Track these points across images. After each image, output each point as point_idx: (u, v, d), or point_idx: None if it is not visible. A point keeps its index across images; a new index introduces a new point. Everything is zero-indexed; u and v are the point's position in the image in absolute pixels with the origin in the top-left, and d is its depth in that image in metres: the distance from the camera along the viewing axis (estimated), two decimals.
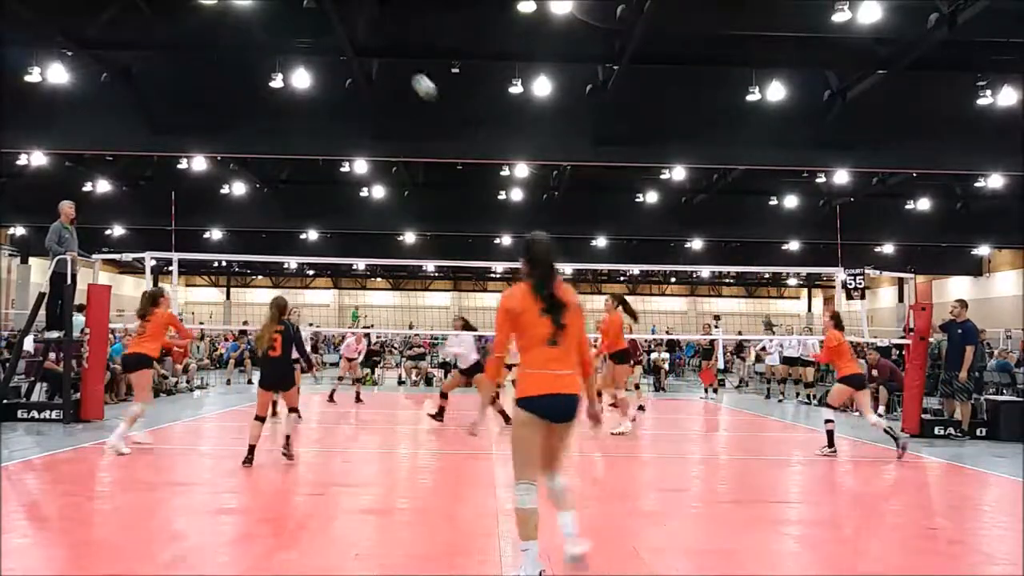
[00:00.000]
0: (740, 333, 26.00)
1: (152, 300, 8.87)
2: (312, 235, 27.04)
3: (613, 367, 10.34)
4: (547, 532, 4.25)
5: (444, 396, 11.81)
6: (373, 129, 15.50)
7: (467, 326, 11.94)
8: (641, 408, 13.93)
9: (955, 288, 33.49)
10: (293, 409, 8.18)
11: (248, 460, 7.68)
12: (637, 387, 14.92)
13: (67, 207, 11.43)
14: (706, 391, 18.44)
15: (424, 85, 9.50)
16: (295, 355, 8.26)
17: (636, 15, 11.51)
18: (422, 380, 20.38)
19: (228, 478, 7.71)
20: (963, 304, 11.62)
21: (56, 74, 13.81)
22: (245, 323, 26.10)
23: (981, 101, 13.95)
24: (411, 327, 33.62)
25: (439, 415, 11.55)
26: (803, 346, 16.93)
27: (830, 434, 9.58)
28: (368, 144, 16.17)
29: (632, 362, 15.61)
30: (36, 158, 18.98)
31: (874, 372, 14.26)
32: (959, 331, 11.29)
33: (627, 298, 11.10)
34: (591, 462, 9.24)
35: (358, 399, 14.88)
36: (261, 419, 7.85)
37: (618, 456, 9.67)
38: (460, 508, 6.35)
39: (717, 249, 27.89)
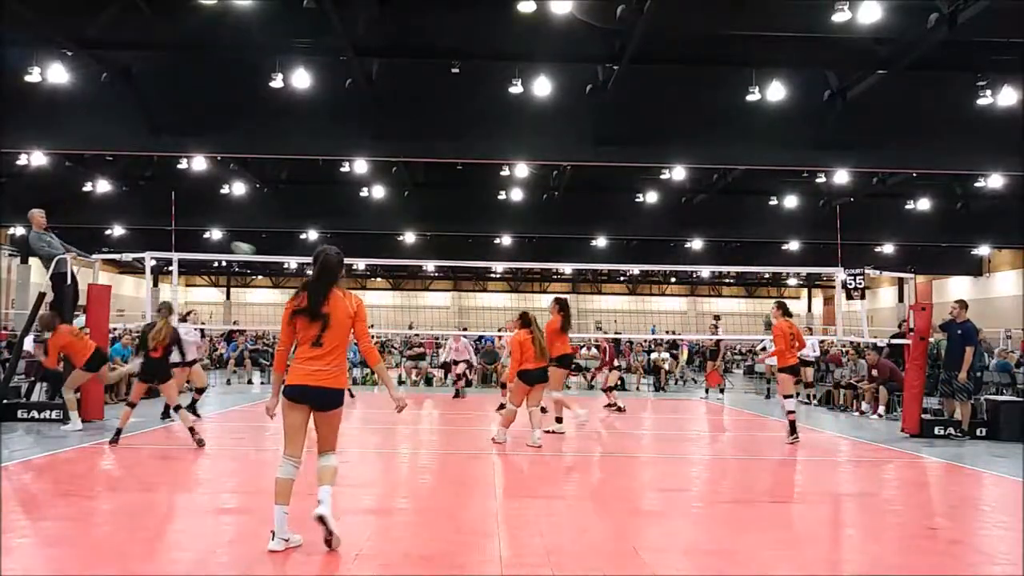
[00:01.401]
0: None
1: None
2: (312, 235, 27.03)
3: (553, 370, 10.33)
4: (546, 532, 4.22)
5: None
6: (373, 129, 15.50)
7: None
8: (620, 409, 13.90)
9: (955, 288, 33.50)
10: (177, 407, 9.14)
11: (114, 440, 8.88)
12: (611, 389, 14.92)
13: (38, 216, 11.40)
14: (707, 392, 18.43)
15: (243, 248, 10.77)
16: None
17: (636, 15, 11.51)
18: (422, 380, 20.39)
19: (228, 478, 7.72)
20: (963, 304, 11.62)
21: (56, 74, 13.82)
22: (235, 322, 26.08)
23: (981, 101, 13.95)
24: (411, 327, 33.60)
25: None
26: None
27: (792, 424, 10.41)
28: (368, 144, 16.17)
29: (607, 367, 15.72)
30: (36, 158, 18.98)
31: (874, 372, 14.27)
32: (958, 331, 11.29)
33: (625, 299, 11.12)
34: (591, 462, 9.24)
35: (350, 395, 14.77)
36: (132, 405, 9.19)
37: (618, 456, 9.67)
38: (460, 508, 6.35)
39: (717, 249, 27.89)
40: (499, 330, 15.55)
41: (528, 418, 9.64)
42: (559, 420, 10.72)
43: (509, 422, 9.70)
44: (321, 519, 4.77)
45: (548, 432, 10.25)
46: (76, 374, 10.33)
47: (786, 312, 10.90)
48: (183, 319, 12.27)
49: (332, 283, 4.92)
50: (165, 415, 11.50)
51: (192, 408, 11.84)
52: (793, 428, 10.41)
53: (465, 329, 27.52)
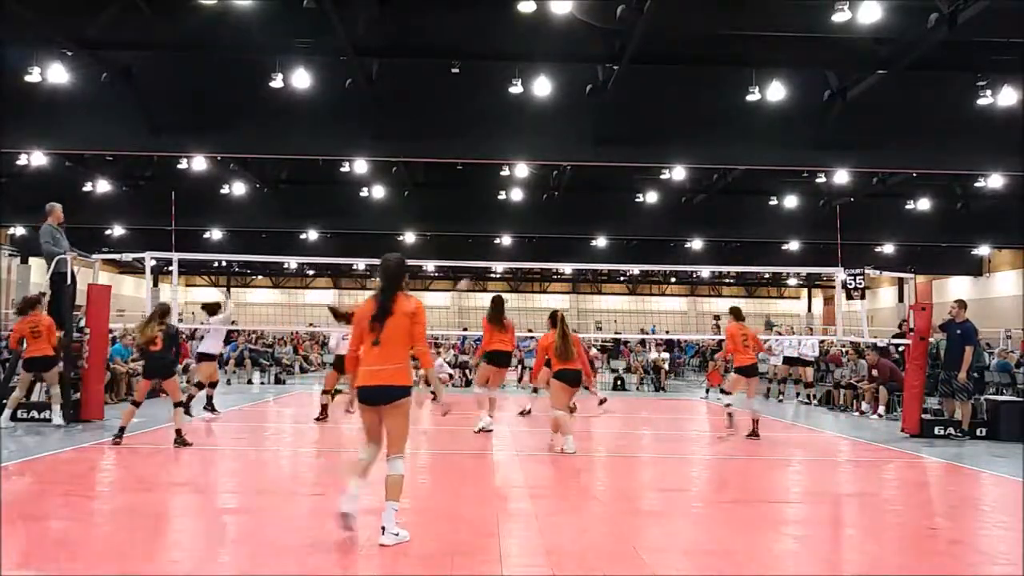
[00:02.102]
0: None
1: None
2: (312, 235, 27.04)
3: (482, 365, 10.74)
4: (546, 532, 4.22)
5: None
6: (373, 129, 15.51)
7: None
8: (603, 401, 13.77)
9: (955, 288, 33.48)
10: (178, 404, 9.20)
11: (117, 438, 8.89)
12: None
13: (58, 210, 11.45)
14: (707, 392, 18.43)
15: None
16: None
17: (636, 15, 11.51)
18: (422, 380, 20.35)
19: (228, 478, 7.72)
20: (962, 304, 11.64)
21: (56, 74, 13.81)
22: (233, 322, 26.04)
23: (981, 101, 13.95)
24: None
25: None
26: (802, 346, 16.93)
27: (730, 416, 11.44)
28: (368, 144, 16.17)
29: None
30: (36, 158, 18.97)
31: (874, 372, 14.27)
32: (958, 331, 11.31)
33: (625, 299, 11.33)
34: (591, 461, 9.24)
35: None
36: (136, 404, 9.20)
37: (618, 456, 9.67)
38: (460, 508, 6.35)
39: (717, 249, 27.88)
40: (528, 331, 15.55)
41: (557, 424, 9.26)
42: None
43: (567, 428, 9.22)
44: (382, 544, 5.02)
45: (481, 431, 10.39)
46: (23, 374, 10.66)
47: (738, 317, 11.21)
48: (213, 312, 12.28)
49: (397, 288, 5.28)
50: (209, 407, 11.99)
51: (210, 403, 12.09)
52: (731, 420, 11.38)
53: (465, 329, 27.44)
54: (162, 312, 9.32)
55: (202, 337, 12.40)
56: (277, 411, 14.68)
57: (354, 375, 5.28)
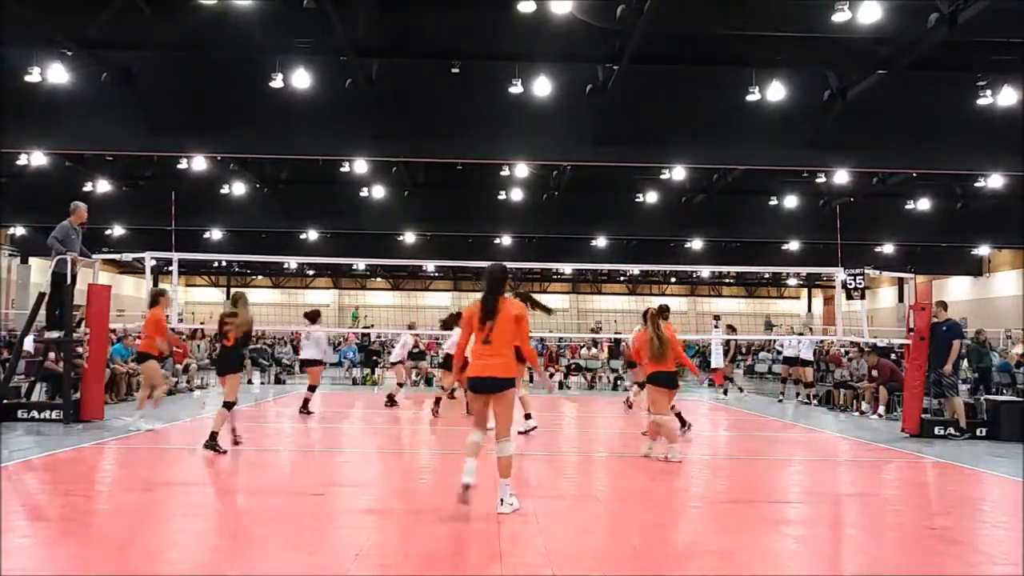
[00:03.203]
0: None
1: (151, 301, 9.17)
2: (312, 235, 27.04)
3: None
4: (546, 532, 4.21)
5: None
6: (373, 129, 15.51)
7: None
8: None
9: (955, 288, 33.49)
10: (229, 404, 8.50)
11: (211, 446, 8.28)
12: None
13: (83, 209, 11.39)
14: (711, 384, 18.41)
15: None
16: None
17: (636, 15, 11.51)
18: (422, 380, 20.37)
19: (228, 478, 7.71)
20: (942, 305, 11.83)
21: (56, 74, 13.82)
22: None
23: (981, 101, 13.96)
24: (411, 327, 33.61)
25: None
26: (801, 344, 16.91)
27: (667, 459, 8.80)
28: (368, 144, 16.18)
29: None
30: (36, 158, 18.99)
31: (874, 372, 14.27)
32: (943, 328, 11.40)
33: (625, 299, 11.15)
34: (591, 461, 9.24)
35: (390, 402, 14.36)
36: (229, 406, 8.49)
37: (617, 456, 9.66)
38: (460, 508, 6.34)
39: (717, 249, 27.89)
40: (615, 333, 15.73)
41: (657, 428, 8.77)
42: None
43: (673, 435, 8.79)
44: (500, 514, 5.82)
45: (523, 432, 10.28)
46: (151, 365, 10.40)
47: (654, 318, 8.79)
48: (313, 320, 12.95)
49: (499, 293, 6.04)
50: (304, 410, 12.27)
51: (305, 406, 12.33)
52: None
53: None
54: (242, 301, 8.65)
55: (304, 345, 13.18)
56: (277, 411, 14.67)
57: (458, 367, 6.30)
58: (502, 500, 5.88)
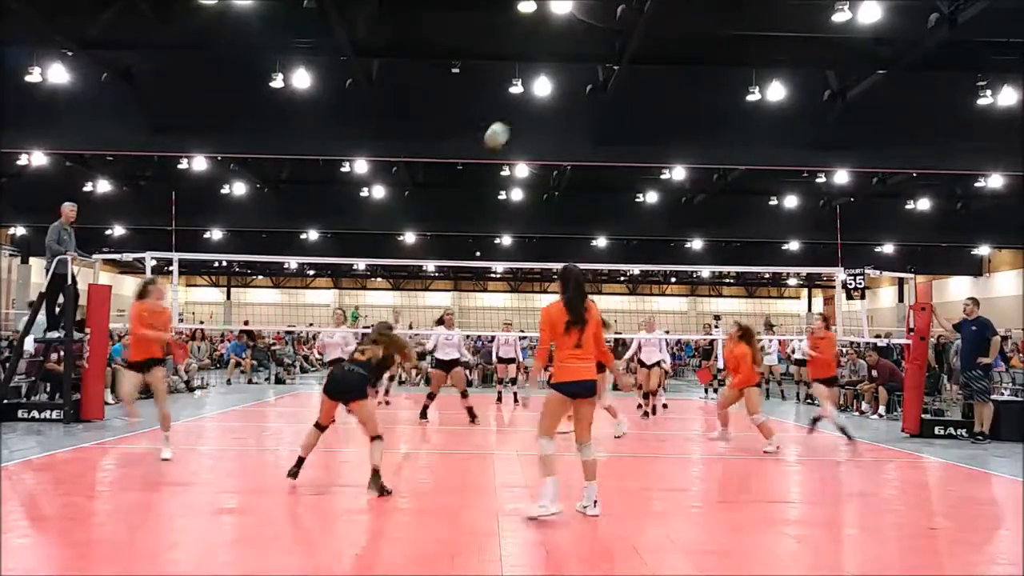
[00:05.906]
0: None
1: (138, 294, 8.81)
2: (312, 235, 27.04)
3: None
4: (546, 532, 4.22)
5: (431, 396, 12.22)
6: (373, 129, 15.51)
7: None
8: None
9: (955, 288, 33.46)
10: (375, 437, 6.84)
11: (294, 472, 6.78)
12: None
13: (68, 209, 11.42)
14: (705, 391, 18.42)
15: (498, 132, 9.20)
16: None
17: (636, 15, 11.51)
18: (422, 380, 20.37)
19: (228, 478, 7.72)
20: (975, 302, 11.36)
21: (56, 74, 13.82)
22: (246, 322, 26.09)
23: (981, 101, 13.95)
24: (411, 327, 33.61)
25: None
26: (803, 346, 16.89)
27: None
28: (368, 144, 16.18)
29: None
30: (36, 158, 18.99)
31: (874, 372, 14.26)
32: (973, 327, 11.02)
33: (625, 299, 11.17)
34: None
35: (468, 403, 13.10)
36: (322, 428, 6.96)
37: (617, 456, 9.66)
38: (460, 508, 6.35)
39: (717, 249, 27.89)
40: (520, 331, 15.71)
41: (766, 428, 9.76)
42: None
43: (769, 431, 9.79)
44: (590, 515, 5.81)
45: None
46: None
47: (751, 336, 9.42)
48: (439, 322, 12.76)
49: (586, 296, 5.96)
50: (423, 416, 11.87)
51: (424, 412, 11.98)
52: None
53: (475, 336, 27.33)
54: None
55: (435, 347, 12.62)
56: (278, 412, 14.67)
57: (539, 368, 6.24)
58: (595, 502, 5.83)
